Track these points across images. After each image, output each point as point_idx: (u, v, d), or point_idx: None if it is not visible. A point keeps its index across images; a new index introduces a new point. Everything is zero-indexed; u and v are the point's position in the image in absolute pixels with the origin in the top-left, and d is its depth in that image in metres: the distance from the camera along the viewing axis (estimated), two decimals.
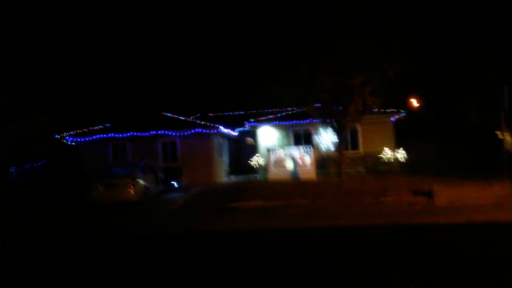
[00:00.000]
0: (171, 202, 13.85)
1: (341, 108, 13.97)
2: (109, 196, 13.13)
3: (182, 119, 19.95)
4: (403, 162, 20.52)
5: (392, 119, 21.01)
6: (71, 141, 19.85)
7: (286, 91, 14.97)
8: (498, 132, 37.02)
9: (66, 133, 19.60)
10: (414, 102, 25.85)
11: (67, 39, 28.00)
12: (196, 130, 18.49)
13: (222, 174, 20.86)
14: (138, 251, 8.01)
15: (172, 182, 16.64)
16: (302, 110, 21.79)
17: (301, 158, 18.26)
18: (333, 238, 8.35)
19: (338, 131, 14.99)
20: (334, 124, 15.06)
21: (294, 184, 15.05)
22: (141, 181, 13.82)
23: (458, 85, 31.70)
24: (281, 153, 18.51)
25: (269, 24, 14.64)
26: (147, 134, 18.54)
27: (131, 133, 18.49)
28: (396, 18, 13.19)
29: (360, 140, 21.19)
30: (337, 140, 20.92)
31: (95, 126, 20.00)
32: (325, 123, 17.45)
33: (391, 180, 14.59)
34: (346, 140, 15.30)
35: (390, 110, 19.97)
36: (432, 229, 8.80)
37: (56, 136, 19.71)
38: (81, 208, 13.57)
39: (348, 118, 14.10)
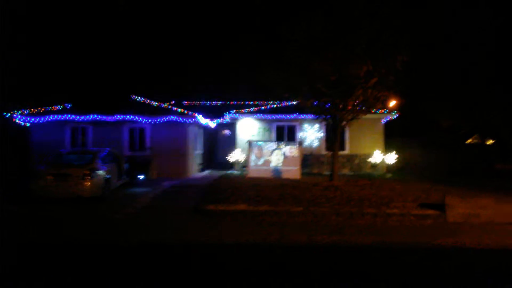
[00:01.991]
0: (136, 199, 11.69)
1: (339, 101, 12.20)
2: (59, 189, 10.80)
3: (155, 105, 17.66)
4: (391, 166, 19.18)
5: (383, 120, 19.55)
6: (24, 121, 17.14)
7: (273, 81, 13.03)
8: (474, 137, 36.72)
9: (18, 111, 16.86)
10: (393, 103, 24.71)
11: (33, 7, 24.83)
12: (170, 117, 16.30)
13: (196, 168, 18.76)
14: (83, 269, 5.91)
15: (138, 175, 14.39)
16: (287, 103, 20.04)
17: (286, 156, 16.46)
18: (344, 261, 6.58)
19: (333, 128, 13.26)
20: (329, 119, 13.32)
21: (280, 184, 13.22)
22: (100, 172, 11.56)
23: (432, 89, 31.21)
24: (263, 148, 16.64)
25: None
26: (112, 118, 16.14)
27: (94, 115, 16.03)
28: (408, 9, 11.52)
29: (347, 140, 19.62)
30: (322, 138, 19.43)
31: (53, 106, 17.36)
32: (316, 119, 15.80)
33: (387, 187, 13.02)
34: (340, 138, 13.57)
35: (382, 110, 18.43)
36: (458, 254, 7.20)
37: (6, 114, 16.92)
38: (21, 203, 11.13)
39: (349, 114, 12.39)
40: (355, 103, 12.05)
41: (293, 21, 11.25)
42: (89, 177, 10.98)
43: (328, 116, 13.22)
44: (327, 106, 12.39)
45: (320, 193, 11.50)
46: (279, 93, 13.01)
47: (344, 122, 13.04)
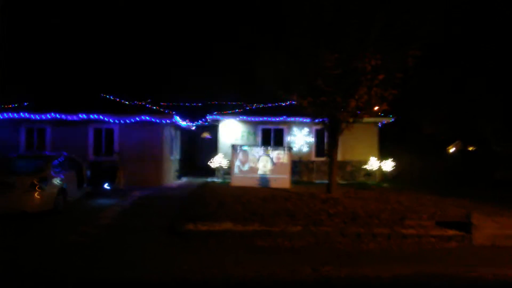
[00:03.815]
0: (99, 214, 9.69)
1: (340, 100, 10.53)
2: (0, 203, 8.68)
3: (125, 103, 15.62)
4: (385, 174, 17.76)
5: (379, 124, 18.12)
6: None
7: (266, 76, 11.31)
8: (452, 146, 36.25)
9: None
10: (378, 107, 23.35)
11: None
12: (143, 117, 14.31)
13: (172, 175, 16.80)
14: None
15: (103, 183, 12.28)
16: (275, 104, 18.35)
17: (274, 162, 14.73)
18: None
19: (332, 132, 11.61)
20: (327, 122, 11.68)
21: (270, 195, 11.47)
22: (54, 181, 9.53)
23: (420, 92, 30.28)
24: (248, 153, 14.88)
25: None
26: (75, 117, 14.02)
27: (54, 114, 13.88)
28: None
29: (339, 146, 17.95)
30: (311, 143, 17.79)
31: (7, 104, 15.09)
32: (308, 122, 14.19)
33: (392, 199, 11.47)
34: (333, 144, 11.97)
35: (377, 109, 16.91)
36: None
37: None
38: None
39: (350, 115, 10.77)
40: (359, 103, 10.43)
41: (299, 2, 9.54)
42: (38, 188, 8.92)
43: (326, 118, 11.57)
44: (327, 105, 10.70)
45: (319, 207, 9.79)
46: (273, 89, 11.26)
47: (344, 125, 11.40)
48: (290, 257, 6.89)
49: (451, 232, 8.31)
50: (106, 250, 7.04)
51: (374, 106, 10.91)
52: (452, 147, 36.53)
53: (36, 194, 8.89)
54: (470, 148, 34.78)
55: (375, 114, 12.70)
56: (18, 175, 9.26)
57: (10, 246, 7.13)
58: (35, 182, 8.96)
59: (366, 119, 15.96)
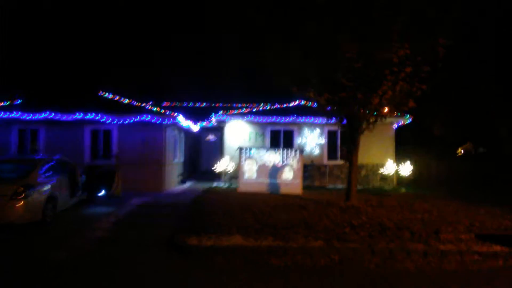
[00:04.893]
0: (92, 225, 8.63)
1: (362, 97, 9.41)
2: None
3: (125, 102, 14.57)
4: (403, 178, 16.58)
5: (395, 125, 16.97)
6: None
7: (278, 70, 10.21)
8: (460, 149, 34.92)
9: None
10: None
11: None
12: (144, 117, 13.23)
13: (175, 180, 15.72)
14: None
15: (100, 189, 11.21)
16: (283, 105, 17.24)
17: (284, 166, 13.63)
18: None
19: (352, 132, 10.46)
20: (344, 122, 10.53)
21: (282, 204, 10.37)
22: (42, 188, 8.48)
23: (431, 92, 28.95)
24: (257, 156, 13.79)
25: None
26: (71, 117, 12.98)
27: (47, 113, 12.85)
28: None
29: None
30: (323, 145, 16.65)
31: None
32: (323, 123, 13.07)
33: (419, 208, 10.32)
34: (357, 146, 10.78)
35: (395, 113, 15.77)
36: None
37: None
38: None
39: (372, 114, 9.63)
40: (382, 100, 9.31)
41: None
42: (22, 196, 7.86)
43: (344, 117, 10.43)
44: (346, 102, 9.58)
45: (340, 218, 8.67)
46: (285, 85, 10.14)
47: (365, 124, 10.25)
48: (313, 280, 5.78)
49: (495, 247, 7.17)
50: (89, 272, 5.93)
51: (401, 103, 9.74)
52: (462, 149, 35.37)
53: (20, 203, 7.84)
54: (481, 150, 33.59)
55: (399, 112, 11.53)
56: (0, 182, 8.23)
57: None
58: (19, 190, 7.92)
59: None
